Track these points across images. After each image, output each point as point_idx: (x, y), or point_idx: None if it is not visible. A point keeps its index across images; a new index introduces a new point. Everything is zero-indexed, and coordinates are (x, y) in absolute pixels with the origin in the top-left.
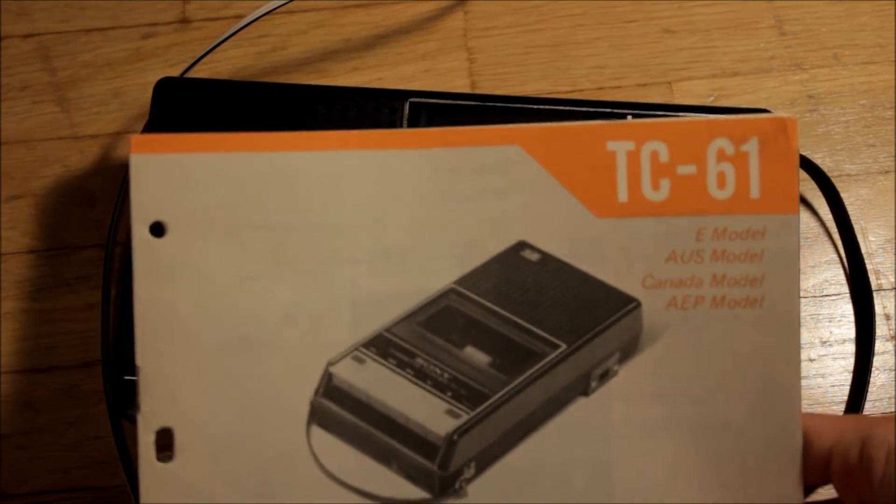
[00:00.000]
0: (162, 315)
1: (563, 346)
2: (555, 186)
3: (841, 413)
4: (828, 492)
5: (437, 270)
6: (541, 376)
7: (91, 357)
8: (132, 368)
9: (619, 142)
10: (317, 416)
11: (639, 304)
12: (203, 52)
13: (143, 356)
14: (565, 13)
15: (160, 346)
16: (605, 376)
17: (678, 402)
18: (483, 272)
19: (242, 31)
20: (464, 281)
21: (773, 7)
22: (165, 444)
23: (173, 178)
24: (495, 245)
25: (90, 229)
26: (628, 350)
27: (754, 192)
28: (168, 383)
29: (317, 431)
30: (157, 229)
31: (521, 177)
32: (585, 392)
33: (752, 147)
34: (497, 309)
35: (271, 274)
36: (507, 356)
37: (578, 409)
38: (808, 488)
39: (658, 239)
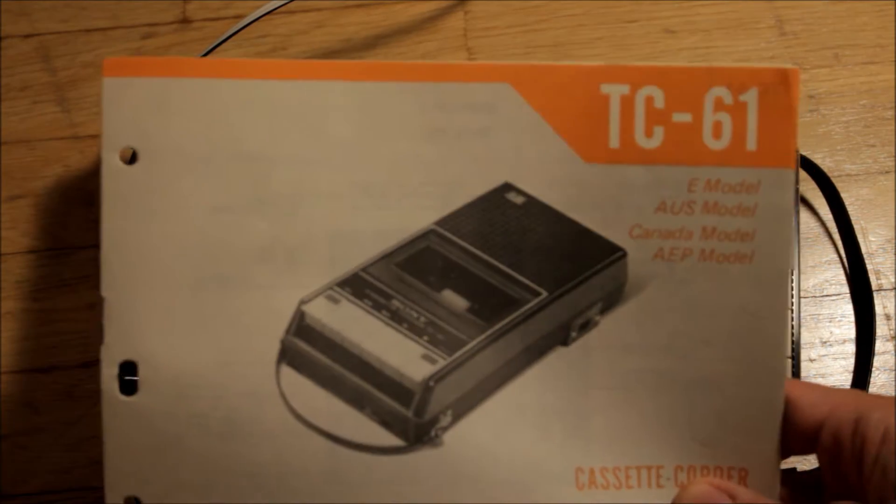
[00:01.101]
0: (129, 245)
1: (544, 294)
2: (544, 128)
3: None
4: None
5: (418, 209)
6: (520, 324)
7: (91, 357)
8: (133, 369)
9: (614, 85)
10: (287, 355)
11: (625, 254)
12: (203, 53)
13: (108, 286)
14: (566, 13)
15: (127, 278)
16: (586, 326)
17: (659, 356)
18: (465, 213)
19: (243, 32)
20: (445, 222)
21: (774, 7)
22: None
23: (147, 104)
24: (479, 186)
25: (90, 229)
26: (611, 300)
27: (751, 144)
28: (133, 316)
29: (286, 371)
30: (129, 156)
31: (509, 116)
32: (565, 342)
33: (751, 97)
34: (478, 252)
35: (247, 206)
36: (486, 301)
37: (557, 358)
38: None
39: (648, 188)
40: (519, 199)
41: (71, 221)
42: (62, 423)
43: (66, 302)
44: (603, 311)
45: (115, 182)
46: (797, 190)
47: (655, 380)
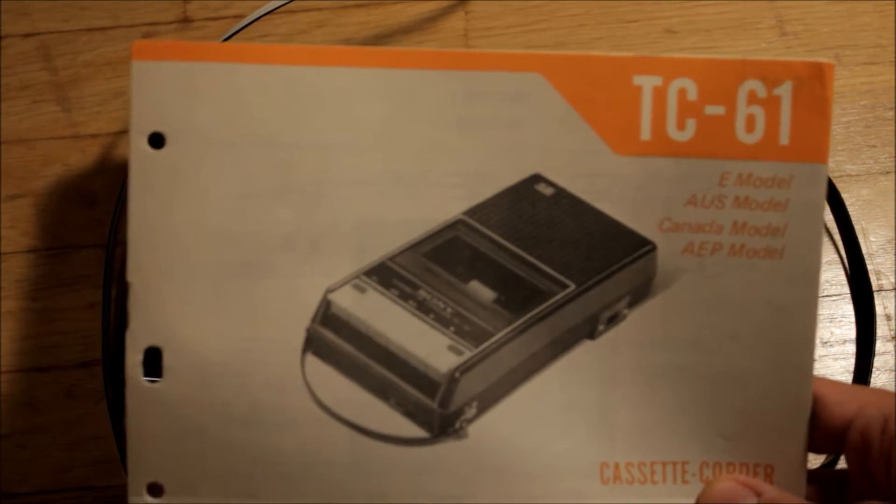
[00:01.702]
0: (156, 230)
1: (572, 286)
2: (575, 119)
3: None
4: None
5: (446, 199)
6: (547, 316)
7: (91, 357)
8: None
9: (647, 76)
10: (312, 344)
11: (654, 248)
12: None
13: (134, 272)
14: (566, 13)
15: (153, 263)
16: (614, 320)
17: (686, 350)
18: (494, 204)
19: (243, 31)
20: (473, 212)
21: (774, 7)
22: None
23: (176, 88)
24: (509, 176)
25: (90, 229)
26: (639, 294)
27: (784, 139)
28: (159, 302)
29: (311, 360)
30: (157, 140)
31: (540, 106)
32: (592, 335)
33: (785, 91)
34: (506, 243)
35: (272, 193)
36: (514, 293)
37: (584, 352)
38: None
39: (679, 181)
40: (548, 191)
41: (71, 221)
42: (62, 422)
43: (65, 301)
44: (631, 305)
45: (143, 167)
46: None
47: (681, 374)
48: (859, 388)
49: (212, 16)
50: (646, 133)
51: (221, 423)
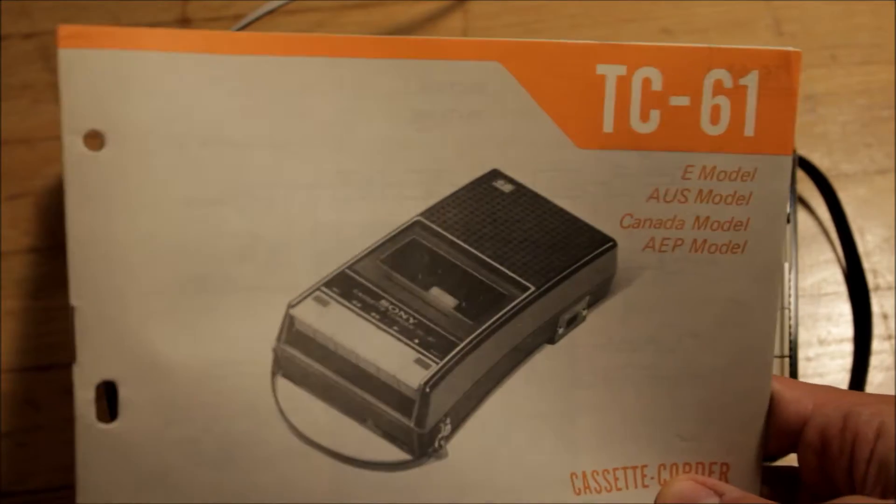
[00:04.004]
0: (100, 244)
1: (532, 289)
2: (535, 110)
3: None
4: None
5: (402, 199)
6: (508, 321)
7: None
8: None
9: (610, 65)
10: (281, 365)
11: (615, 245)
12: None
13: (79, 294)
14: (564, 13)
15: (99, 283)
16: (573, 322)
17: (645, 350)
18: (451, 203)
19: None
20: (430, 213)
21: (771, 7)
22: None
23: (113, 79)
24: (467, 173)
25: None
26: (599, 294)
27: (749, 130)
28: (110, 327)
29: (283, 383)
30: (94, 140)
31: (499, 97)
32: (552, 339)
33: (751, 81)
34: (464, 245)
35: (224, 198)
36: (474, 299)
37: (544, 358)
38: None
39: (642, 175)
40: (507, 188)
41: None
42: (62, 420)
43: (66, 301)
44: (590, 306)
45: (80, 170)
46: (794, 179)
47: (641, 375)
48: (815, 387)
49: (211, 16)
50: (608, 125)
51: (190, 465)
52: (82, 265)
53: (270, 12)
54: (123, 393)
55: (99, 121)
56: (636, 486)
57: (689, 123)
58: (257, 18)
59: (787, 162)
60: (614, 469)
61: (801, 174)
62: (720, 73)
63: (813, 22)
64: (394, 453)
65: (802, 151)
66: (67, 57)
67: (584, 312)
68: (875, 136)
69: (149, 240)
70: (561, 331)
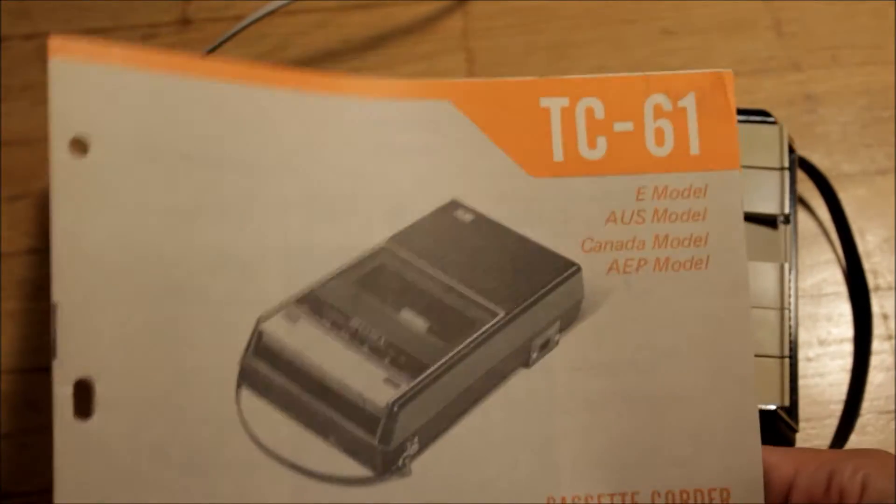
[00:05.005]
0: (83, 245)
1: (501, 314)
2: (487, 145)
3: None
4: None
5: (369, 224)
6: (480, 345)
7: None
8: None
9: (553, 98)
10: (247, 377)
11: (579, 269)
12: (204, 53)
13: (61, 290)
14: (565, 14)
15: (81, 282)
16: (546, 346)
17: (622, 373)
18: (416, 231)
19: (243, 32)
20: (397, 239)
21: (772, 8)
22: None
23: (99, 90)
24: (429, 202)
25: None
26: (569, 318)
27: (694, 149)
28: (90, 326)
29: (247, 395)
30: (79, 147)
31: (452, 133)
32: (527, 363)
33: (689, 102)
34: (431, 271)
35: (198, 212)
36: (446, 322)
37: (521, 381)
38: None
39: (597, 199)
40: (467, 217)
41: None
42: None
43: None
44: (562, 330)
45: (65, 174)
46: (794, 179)
47: (621, 399)
48: (791, 450)
49: (211, 17)
50: (558, 154)
51: (159, 467)
52: (65, 264)
53: (271, 13)
54: (99, 391)
55: (83, 129)
56: None
57: (636, 147)
58: (258, 19)
59: (737, 175)
60: (599, 495)
61: (801, 174)
62: (659, 98)
63: (813, 22)
64: (356, 469)
65: (803, 152)
66: (57, 66)
67: (557, 337)
68: (875, 136)
69: (127, 245)
70: (535, 355)
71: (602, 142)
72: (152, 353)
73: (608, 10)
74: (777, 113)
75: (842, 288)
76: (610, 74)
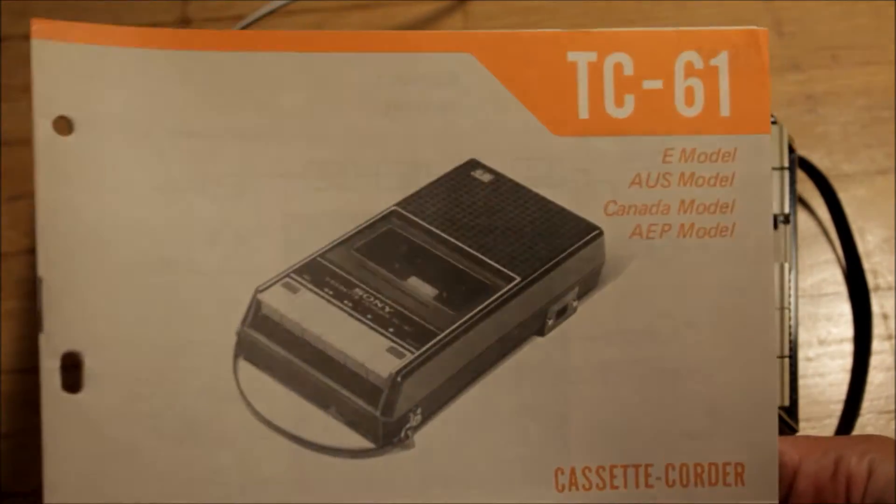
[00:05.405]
0: (68, 221)
1: (517, 279)
2: (509, 100)
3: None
4: None
5: (377, 189)
6: (492, 312)
7: None
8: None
9: (581, 52)
10: (244, 348)
11: (601, 233)
12: None
13: (47, 266)
14: (565, 14)
15: (67, 257)
16: (563, 313)
17: (641, 343)
18: (429, 193)
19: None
20: (407, 203)
21: (772, 8)
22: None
23: (83, 70)
24: (443, 163)
25: None
26: (588, 284)
27: (724, 110)
28: (77, 300)
29: (245, 366)
30: (63, 126)
31: (472, 88)
32: (541, 331)
33: (721, 61)
34: (444, 235)
35: (192, 185)
36: (456, 289)
37: (533, 350)
38: None
39: (622, 160)
40: (486, 177)
41: None
42: None
43: None
44: (580, 296)
45: (50, 153)
46: (794, 179)
47: (639, 369)
48: (794, 438)
49: (212, 16)
50: (583, 111)
51: (152, 438)
52: (50, 239)
53: (271, 13)
54: (88, 364)
55: (68, 108)
56: (638, 486)
57: (665, 106)
58: (257, 19)
59: (766, 141)
60: (611, 466)
61: (801, 174)
62: (690, 55)
63: (813, 22)
64: (357, 440)
65: (803, 152)
66: (39, 47)
67: (575, 304)
68: (875, 136)
69: (116, 221)
70: (550, 322)
71: (630, 100)
72: (144, 327)
73: (608, 11)
74: (777, 113)
75: (842, 288)
76: (640, 28)
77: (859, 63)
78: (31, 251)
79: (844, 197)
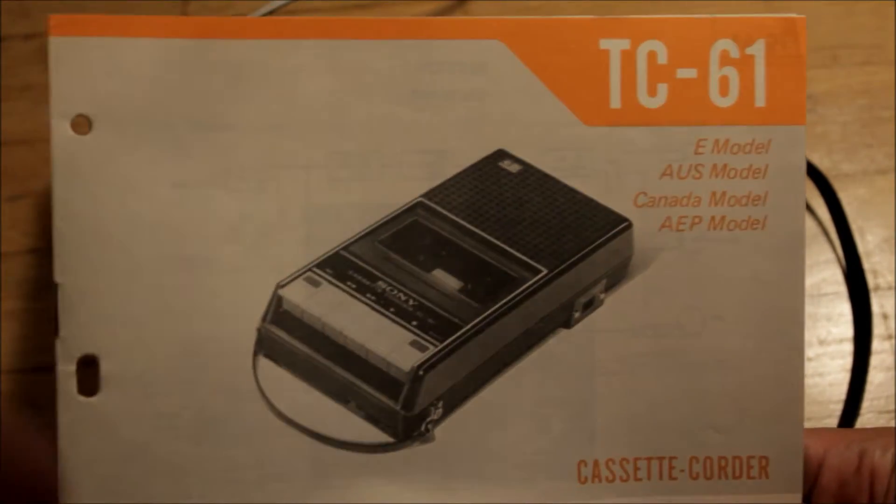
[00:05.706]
0: (86, 224)
1: (544, 271)
2: (539, 89)
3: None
4: None
5: (402, 180)
6: (518, 305)
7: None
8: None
9: (614, 40)
10: (264, 345)
11: (630, 225)
12: None
13: (63, 271)
14: (565, 14)
15: (84, 261)
16: (590, 306)
17: (669, 335)
18: (456, 184)
19: None
20: (433, 194)
21: (772, 8)
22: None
23: (101, 66)
24: (471, 153)
25: None
26: (617, 276)
27: (759, 100)
28: (93, 304)
29: (264, 363)
30: (81, 124)
31: (501, 76)
32: (567, 324)
33: (758, 50)
34: (470, 227)
35: (212, 180)
36: (481, 281)
37: (559, 342)
38: None
39: (653, 151)
40: (514, 168)
41: None
42: None
43: None
44: (608, 289)
45: (67, 153)
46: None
47: (666, 362)
48: (818, 430)
49: (211, 16)
50: (615, 101)
51: (168, 438)
52: (67, 243)
53: (271, 12)
54: (105, 367)
55: (87, 106)
56: (661, 478)
57: (699, 96)
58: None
59: (802, 132)
60: (635, 458)
61: None
62: (726, 44)
63: (813, 22)
64: (376, 435)
65: None
66: (58, 45)
67: (602, 296)
68: (875, 136)
69: (134, 220)
70: (577, 315)
71: (663, 89)
72: (161, 326)
73: (608, 11)
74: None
75: (842, 288)
76: (675, 15)
77: (859, 63)
78: (31, 251)
79: (844, 197)
